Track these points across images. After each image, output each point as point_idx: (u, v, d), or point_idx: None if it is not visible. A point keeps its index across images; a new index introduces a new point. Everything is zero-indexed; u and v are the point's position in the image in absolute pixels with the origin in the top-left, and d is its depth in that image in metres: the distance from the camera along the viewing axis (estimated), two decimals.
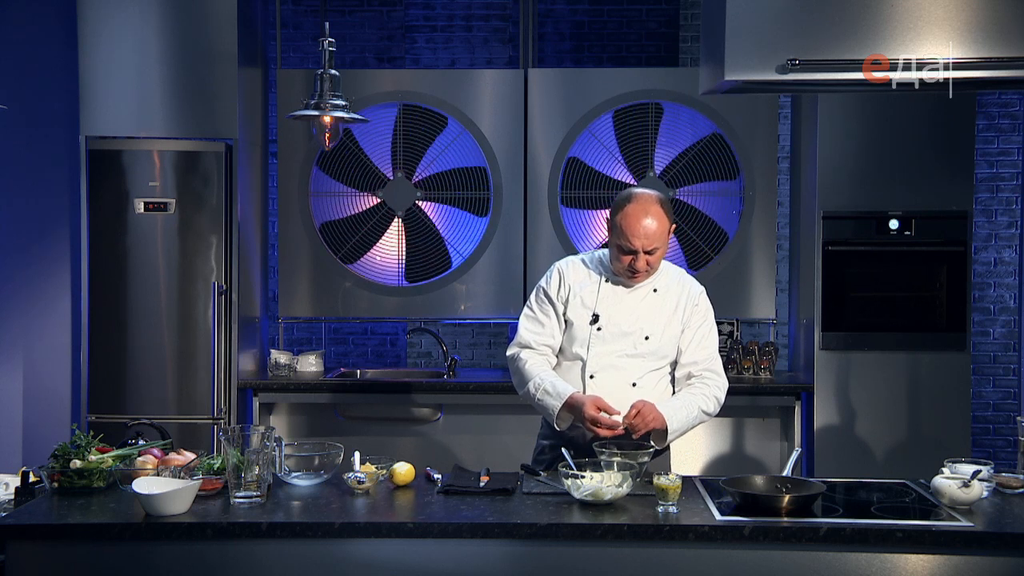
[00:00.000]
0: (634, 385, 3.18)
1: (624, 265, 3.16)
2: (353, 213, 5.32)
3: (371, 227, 5.32)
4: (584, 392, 3.17)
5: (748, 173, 5.21)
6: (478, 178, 5.29)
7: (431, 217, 5.31)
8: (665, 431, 3.11)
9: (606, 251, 3.28)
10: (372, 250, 5.33)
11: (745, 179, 5.22)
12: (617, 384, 3.17)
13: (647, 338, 3.20)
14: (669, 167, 5.23)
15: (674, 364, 3.29)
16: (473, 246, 5.29)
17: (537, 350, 3.27)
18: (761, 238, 5.24)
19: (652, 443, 3.12)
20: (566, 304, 3.25)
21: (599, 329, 3.20)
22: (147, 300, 4.89)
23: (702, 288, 3.32)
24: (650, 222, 3.09)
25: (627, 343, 3.20)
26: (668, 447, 3.28)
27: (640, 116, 5.23)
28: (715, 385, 3.25)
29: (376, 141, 5.29)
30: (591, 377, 3.20)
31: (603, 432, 3.04)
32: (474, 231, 5.30)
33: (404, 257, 5.32)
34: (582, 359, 3.22)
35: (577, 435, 3.20)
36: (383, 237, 5.32)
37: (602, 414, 3.04)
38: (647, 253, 3.12)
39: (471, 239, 5.29)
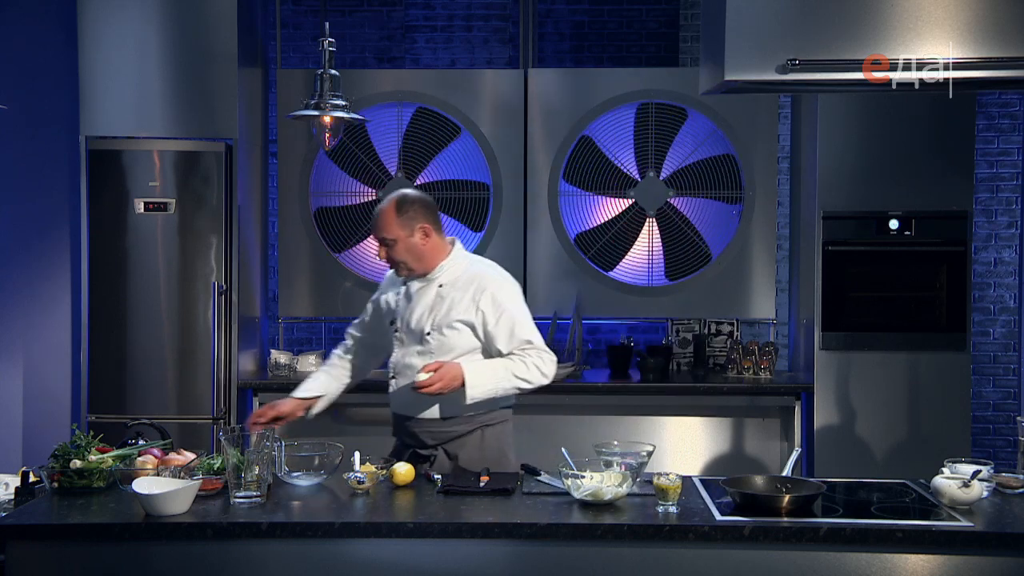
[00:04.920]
0: (414, 383, 3.14)
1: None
2: (353, 214, 5.32)
3: (371, 227, 5.31)
4: (390, 392, 3.36)
5: (748, 173, 5.21)
6: (478, 177, 5.28)
7: None
8: (462, 386, 3.11)
9: None
10: (372, 250, 5.31)
11: (745, 179, 5.21)
12: (408, 383, 3.24)
13: (428, 335, 3.24)
14: (669, 167, 5.23)
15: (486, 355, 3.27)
16: (473, 246, 5.28)
17: (344, 342, 3.55)
18: (761, 238, 5.24)
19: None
20: (375, 305, 3.47)
21: (396, 331, 3.34)
22: (147, 300, 4.89)
23: (501, 279, 3.27)
24: (378, 213, 3.26)
25: (415, 341, 3.28)
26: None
27: (640, 116, 5.23)
28: (535, 355, 3.20)
29: (376, 141, 5.29)
30: (392, 378, 3.34)
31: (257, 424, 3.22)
32: (474, 230, 5.29)
33: None
34: (391, 361, 3.38)
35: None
36: None
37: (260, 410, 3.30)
38: (384, 244, 3.24)
39: (471, 239, 5.29)
